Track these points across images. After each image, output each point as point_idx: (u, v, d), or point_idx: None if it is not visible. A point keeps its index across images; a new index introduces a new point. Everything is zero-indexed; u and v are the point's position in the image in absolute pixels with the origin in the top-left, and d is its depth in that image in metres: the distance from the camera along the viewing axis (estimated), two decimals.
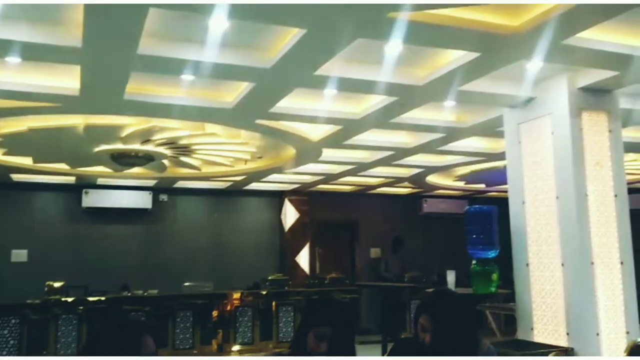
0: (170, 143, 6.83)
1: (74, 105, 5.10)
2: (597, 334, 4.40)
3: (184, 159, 7.67)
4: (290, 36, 3.81)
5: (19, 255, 9.46)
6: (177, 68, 4.20)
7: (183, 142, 6.83)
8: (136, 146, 6.84)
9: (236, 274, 10.01)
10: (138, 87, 4.87)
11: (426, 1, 3.18)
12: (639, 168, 9.05)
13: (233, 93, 5.09)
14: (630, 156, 7.99)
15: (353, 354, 2.32)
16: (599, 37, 3.92)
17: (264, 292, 8.71)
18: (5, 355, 7.00)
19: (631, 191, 5.07)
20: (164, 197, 10.47)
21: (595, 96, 4.80)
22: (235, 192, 10.83)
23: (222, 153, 7.52)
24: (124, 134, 6.32)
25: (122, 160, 7.19)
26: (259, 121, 5.72)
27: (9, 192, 9.53)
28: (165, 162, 7.88)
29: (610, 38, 3.97)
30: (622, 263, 4.63)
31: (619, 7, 3.33)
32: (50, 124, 5.91)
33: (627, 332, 4.51)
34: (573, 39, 3.79)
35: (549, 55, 4.02)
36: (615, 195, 4.72)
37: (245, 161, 8.10)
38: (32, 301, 7.45)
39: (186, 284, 8.56)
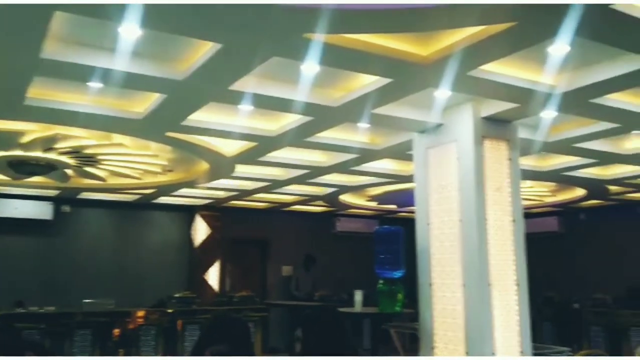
0: (75, 152, 6.50)
1: None
2: (494, 354, 4.60)
3: (88, 169, 7.33)
4: (205, 49, 3.75)
5: None
6: (85, 75, 4.02)
7: (88, 151, 6.53)
8: (37, 154, 6.46)
9: (141, 291, 9.64)
10: (41, 92, 4.61)
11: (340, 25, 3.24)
12: (535, 194, 9.64)
13: (143, 104, 4.93)
14: (528, 183, 8.51)
15: None
16: (502, 70, 4.16)
17: (170, 310, 8.45)
18: None
19: (526, 216, 5.38)
20: (66, 209, 9.94)
21: (497, 126, 5.07)
22: (144, 206, 10.47)
23: (130, 165, 7.25)
24: (24, 140, 5.95)
25: (21, 168, 6.75)
26: (170, 134, 5.58)
27: None
28: (69, 171, 7.49)
29: (512, 72, 4.22)
30: (517, 285, 4.88)
31: (519, 43, 3.55)
32: None
33: (521, 352, 4.74)
34: (477, 70, 4.00)
35: (456, 84, 4.22)
36: (513, 220, 4.98)
37: (155, 174, 7.87)
38: None
39: (87, 300, 8.12)
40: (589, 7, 2.94)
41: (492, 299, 4.71)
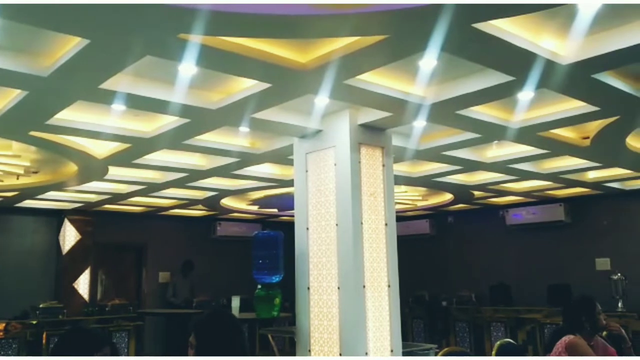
0: None
1: None
2: (366, 354, 4.75)
3: None
4: (71, 44, 3.52)
5: None
6: None
7: None
8: None
9: (2, 302, 8.83)
10: None
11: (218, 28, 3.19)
12: (408, 199, 10.13)
13: (2, 100, 4.53)
14: (402, 188, 8.92)
15: None
16: (377, 80, 4.32)
17: (34, 322, 7.85)
18: None
19: (400, 219, 5.62)
20: None
21: (372, 133, 5.26)
22: (5, 210, 9.62)
23: None
24: None
25: None
26: (33, 133, 5.17)
27: None
28: None
29: (386, 83, 4.39)
30: (389, 286, 5.08)
31: (392, 55, 3.71)
32: None
33: (392, 351, 4.94)
34: (354, 79, 4.12)
35: (333, 92, 4.31)
36: (386, 224, 5.18)
37: (18, 176, 7.25)
38: None
39: None
40: (453, 25, 3.14)
41: (365, 301, 4.86)
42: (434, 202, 10.62)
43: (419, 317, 10.46)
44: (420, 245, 11.64)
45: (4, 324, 7.64)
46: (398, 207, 5.42)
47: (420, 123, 5.30)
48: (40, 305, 8.28)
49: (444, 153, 6.51)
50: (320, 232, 5.20)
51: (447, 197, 9.98)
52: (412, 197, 10.06)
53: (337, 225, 5.03)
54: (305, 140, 5.53)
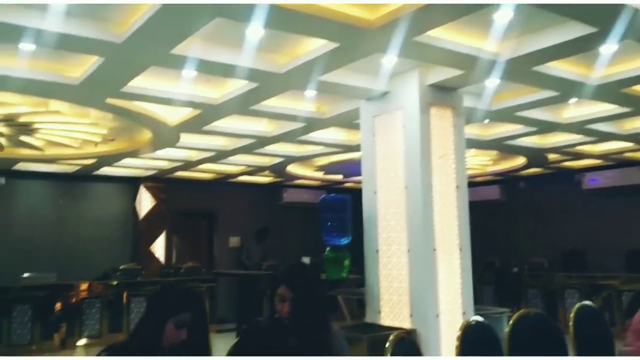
0: (8, 120, 6.17)
1: None
2: (437, 316, 4.72)
3: (24, 138, 6.99)
4: (144, 9, 3.58)
5: None
6: (14, 35, 3.77)
7: (23, 119, 6.21)
8: None
9: (84, 265, 9.35)
10: None
11: None
12: (478, 163, 9.87)
13: (80, 67, 4.69)
14: (471, 152, 8.69)
15: (208, 339, 2.39)
16: (448, 36, 4.17)
17: (115, 283, 8.28)
18: None
19: (470, 185, 5.48)
20: (1, 180, 9.49)
21: (442, 93, 5.11)
22: (85, 177, 10.12)
23: (68, 134, 6.95)
24: None
25: None
26: (109, 100, 5.35)
27: None
28: (2, 141, 7.12)
29: (457, 38, 4.23)
30: (460, 249, 4.99)
31: (465, 8, 3.55)
32: None
33: (464, 313, 4.88)
34: (424, 36, 3.99)
35: (402, 50, 4.20)
36: (457, 187, 5.07)
37: (96, 143, 7.58)
38: None
39: (25, 275, 7.84)
40: None
41: (436, 264, 4.80)
42: (504, 167, 10.29)
43: (489, 284, 10.27)
44: (489, 211, 11.36)
45: (87, 285, 8.11)
46: (467, 173, 5.24)
47: (493, 82, 5.10)
48: (120, 267, 8.71)
49: (518, 114, 6.26)
50: (389, 195, 5.15)
51: (519, 161, 9.65)
52: (482, 162, 9.79)
53: (406, 188, 4.96)
54: (372, 102, 5.45)
